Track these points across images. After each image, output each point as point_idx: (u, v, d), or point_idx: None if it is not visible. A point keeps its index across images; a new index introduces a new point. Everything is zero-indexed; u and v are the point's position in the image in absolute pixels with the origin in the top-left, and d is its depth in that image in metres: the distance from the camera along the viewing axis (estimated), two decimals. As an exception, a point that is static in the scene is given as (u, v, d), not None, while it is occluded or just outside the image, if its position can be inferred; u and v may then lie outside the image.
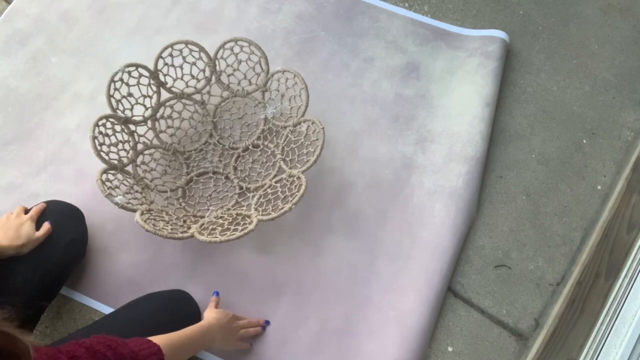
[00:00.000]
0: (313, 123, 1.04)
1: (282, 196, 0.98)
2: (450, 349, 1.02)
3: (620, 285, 1.01)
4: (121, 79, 1.05)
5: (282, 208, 0.92)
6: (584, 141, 1.20)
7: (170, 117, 1.13)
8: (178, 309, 0.91)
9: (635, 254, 1.03)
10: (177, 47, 1.10)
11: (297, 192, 0.94)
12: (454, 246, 1.06)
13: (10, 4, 1.34)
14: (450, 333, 1.03)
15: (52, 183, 1.12)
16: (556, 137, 1.20)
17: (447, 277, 1.04)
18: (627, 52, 1.29)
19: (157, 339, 0.70)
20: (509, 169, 1.17)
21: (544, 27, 1.32)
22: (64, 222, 0.95)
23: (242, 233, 0.88)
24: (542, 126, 1.21)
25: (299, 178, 0.98)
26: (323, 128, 1.01)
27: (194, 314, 0.92)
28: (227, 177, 1.11)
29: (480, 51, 1.25)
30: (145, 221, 0.88)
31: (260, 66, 1.13)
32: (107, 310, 1.01)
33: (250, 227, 0.90)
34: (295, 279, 1.04)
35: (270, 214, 0.92)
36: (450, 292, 1.06)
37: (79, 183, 1.11)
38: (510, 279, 1.07)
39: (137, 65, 1.06)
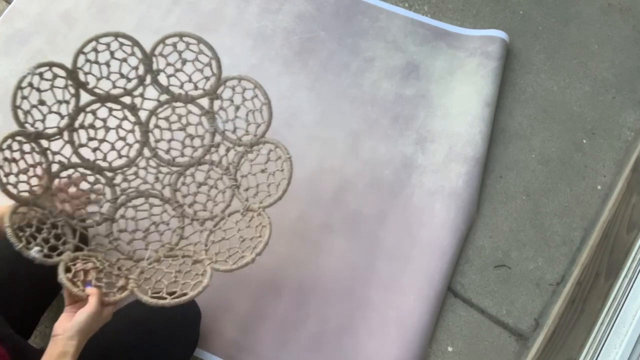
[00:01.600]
0: (277, 147, 0.87)
1: (241, 240, 0.80)
2: (450, 349, 1.02)
3: (620, 285, 1.01)
4: (30, 84, 0.80)
5: (243, 257, 0.74)
6: (584, 141, 1.20)
7: (92, 126, 0.90)
8: (178, 309, 0.90)
9: (635, 254, 1.03)
10: (103, 40, 0.86)
11: (260, 237, 0.76)
12: (454, 246, 1.06)
13: (10, 4, 1.34)
14: (450, 333, 1.03)
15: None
16: (556, 137, 1.20)
17: (447, 277, 1.04)
18: (627, 52, 1.29)
19: None
20: (509, 169, 1.17)
21: (544, 27, 1.32)
22: None
23: (195, 293, 0.71)
24: (542, 126, 1.21)
25: (260, 215, 0.81)
26: (290, 158, 0.84)
27: (193, 314, 0.92)
28: (167, 202, 0.91)
29: (480, 51, 1.25)
30: (72, 278, 0.70)
31: (211, 69, 0.91)
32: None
33: (205, 281, 0.72)
34: (295, 279, 1.04)
35: (226, 261, 0.75)
36: (450, 292, 1.06)
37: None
38: (510, 279, 1.07)
39: (50, 64, 0.82)
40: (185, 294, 0.71)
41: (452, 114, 1.19)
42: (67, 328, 0.66)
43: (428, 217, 1.09)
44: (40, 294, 0.90)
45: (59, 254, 0.73)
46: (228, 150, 0.94)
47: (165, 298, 0.71)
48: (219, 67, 0.91)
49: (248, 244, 0.78)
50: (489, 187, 1.15)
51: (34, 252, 0.70)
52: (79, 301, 0.70)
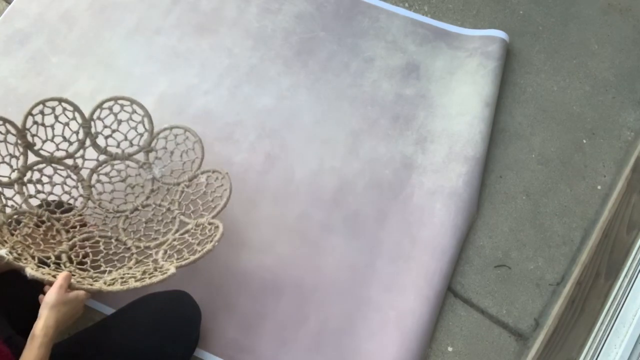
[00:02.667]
0: (214, 172, 0.98)
1: (196, 242, 0.86)
2: (450, 349, 1.02)
3: (620, 285, 1.01)
4: None
5: (203, 249, 0.80)
6: (584, 141, 1.20)
7: (39, 181, 0.99)
8: (178, 309, 0.91)
9: (635, 254, 1.03)
10: (49, 104, 0.99)
11: (214, 233, 0.83)
12: (454, 246, 1.06)
13: (10, 4, 1.34)
14: (450, 333, 1.03)
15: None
16: (556, 137, 1.20)
17: (447, 277, 1.04)
18: (627, 52, 1.29)
19: None
20: (509, 169, 1.17)
21: (544, 27, 1.32)
22: None
23: (164, 276, 0.76)
24: (542, 126, 1.21)
25: (211, 223, 0.88)
26: (227, 173, 0.95)
27: (194, 314, 0.92)
28: (117, 240, 0.97)
29: (480, 51, 1.25)
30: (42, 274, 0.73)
31: (144, 126, 1.05)
32: (107, 310, 1.01)
33: (171, 270, 0.77)
34: (295, 279, 1.04)
35: (188, 257, 0.80)
36: (450, 292, 1.06)
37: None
38: (510, 279, 1.07)
39: (4, 120, 0.93)
40: (155, 277, 0.76)
41: (452, 114, 1.19)
42: (40, 310, 0.70)
43: (428, 217, 1.09)
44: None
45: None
46: (168, 190, 1.04)
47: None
48: (151, 122, 1.05)
49: (205, 242, 0.84)
50: (489, 187, 1.15)
51: (2, 252, 0.73)
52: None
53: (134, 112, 1.05)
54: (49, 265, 0.83)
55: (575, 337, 0.98)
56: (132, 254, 0.94)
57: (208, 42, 1.28)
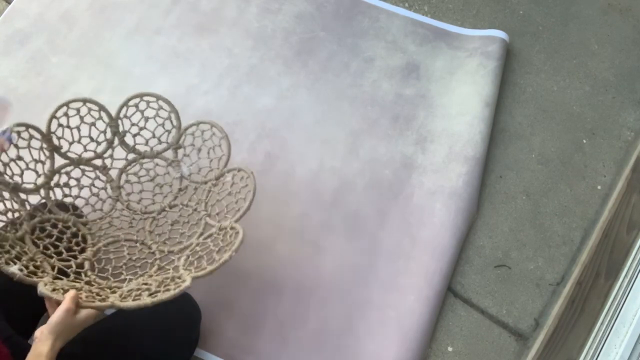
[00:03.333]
0: (239, 171, 0.94)
1: (216, 249, 0.83)
2: (450, 349, 1.02)
3: (620, 285, 1.01)
4: (9, 139, 0.88)
5: (220, 259, 0.77)
6: (584, 141, 1.20)
7: (67, 185, 0.97)
8: (178, 309, 0.91)
9: (635, 254, 1.03)
10: (73, 105, 0.96)
11: (235, 239, 0.80)
12: (454, 246, 1.06)
13: (10, 4, 1.34)
14: (450, 333, 1.03)
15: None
16: (556, 137, 1.20)
17: (447, 277, 1.04)
18: (627, 52, 1.29)
19: None
20: (509, 169, 1.17)
21: (544, 27, 1.32)
22: None
23: (176, 291, 0.73)
24: (542, 126, 1.21)
25: (233, 228, 0.85)
26: (252, 173, 0.91)
27: (194, 314, 0.92)
28: (142, 244, 0.95)
29: (480, 51, 1.25)
30: (53, 291, 0.71)
31: (171, 122, 1.02)
32: (107, 310, 1.01)
33: (186, 283, 0.75)
34: (295, 279, 1.04)
35: (205, 268, 0.78)
36: (450, 292, 1.06)
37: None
38: (510, 279, 1.07)
39: (27, 126, 0.90)
40: (168, 293, 0.74)
41: (452, 114, 1.19)
42: (43, 330, 0.68)
43: (428, 217, 1.09)
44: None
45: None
46: (196, 189, 1.01)
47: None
48: (178, 118, 1.02)
49: (224, 250, 0.81)
50: (489, 187, 1.15)
51: (14, 269, 0.72)
52: (57, 307, 0.70)
53: (161, 108, 1.02)
54: (68, 275, 0.82)
55: (575, 337, 0.98)
56: (156, 259, 0.91)
57: (208, 42, 1.28)
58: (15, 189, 0.88)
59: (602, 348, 0.96)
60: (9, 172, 0.88)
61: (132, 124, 1.02)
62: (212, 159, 1.01)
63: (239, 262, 1.05)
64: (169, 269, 0.86)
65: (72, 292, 0.70)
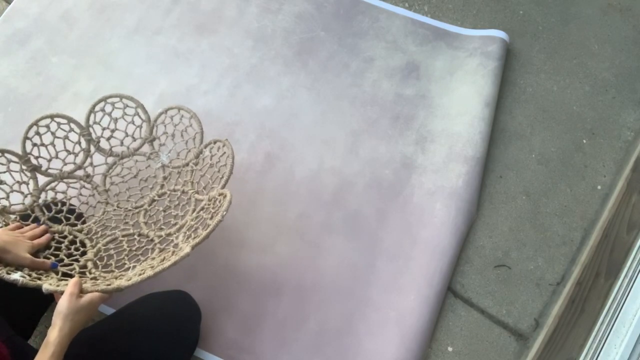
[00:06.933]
0: (215, 142, 0.98)
1: (209, 216, 0.85)
2: (450, 349, 1.02)
3: (620, 285, 1.01)
4: None
5: (212, 222, 0.79)
6: (584, 141, 1.20)
7: (54, 201, 0.98)
8: (178, 309, 0.91)
9: (635, 254, 1.03)
10: (42, 123, 0.97)
11: (223, 202, 0.82)
12: (454, 246, 1.06)
13: (10, 4, 1.34)
14: (450, 333, 1.03)
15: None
16: (556, 137, 1.20)
17: (447, 277, 1.04)
18: (627, 52, 1.29)
19: None
20: (509, 169, 1.17)
21: (544, 27, 1.32)
22: None
23: (176, 258, 0.74)
24: (542, 126, 1.21)
25: (221, 194, 0.87)
26: (226, 140, 0.94)
27: (194, 314, 0.92)
28: (140, 235, 0.97)
29: (480, 51, 1.25)
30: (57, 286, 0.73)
31: (140, 117, 1.05)
32: (107, 310, 1.01)
33: (185, 251, 0.75)
34: (295, 279, 1.04)
35: (200, 234, 0.79)
36: (450, 292, 1.06)
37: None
38: (510, 279, 1.07)
39: (2, 151, 0.92)
40: (169, 262, 0.74)
41: (452, 114, 1.19)
42: (52, 319, 0.70)
43: (428, 217, 1.09)
44: (40, 295, 0.90)
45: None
46: (179, 173, 1.04)
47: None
48: (145, 112, 1.05)
49: (216, 214, 0.82)
50: (489, 187, 1.15)
51: (16, 276, 0.73)
52: None
53: (126, 106, 1.05)
54: (72, 277, 0.82)
55: (575, 337, 0.98)
56: (155, 244, 0.93)
57: (208, 42, 1.28)
58: (4, 211, 0.90)
59: (602, 348, 0.96)
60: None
61: (104, 129, 1.04)
62: (187, 140, 1.05)
63: (239, 262, 1.05)
64: (169, 249, 0.88)
65: (75, 278, 0.73)
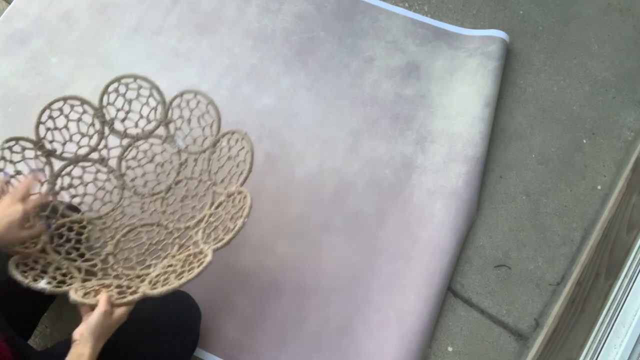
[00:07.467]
0: (233, 133, 0.95)
1: (229, 217, 0.84)
2: (450, 349, 1.02)
3: (620, 285, 1.01)
4: (3, 157, 0.89)
5: (234, 227, 0.78)
6: (584, 141, 1.20)
7: (71, 185, 0.97)
8: (178, 309, 0.91)
9: (635, 254, 1.03)
10: (55, 106, 0.95)
11: (244, 205, 0.81)
12: (454, 246, 1.06)
13: (10, 4, 1.34)
14: (450, 333, 1.03)
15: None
16: (556, 137, 1.20)
17: (447, 277, 1.04)
18: (627, 52, 1.29)
19: None
20: (509, 169, 1.17)
21: (544, 27, 1.32)
22: None
23: (201, 268, 0.74)
24: (542, 126, 1.21)
25: (240, 192, 0.86)
26: (245, 133, 0.91)
27: (194, 314, 0.92)
28: (158, 225, 0.97)
29: (480, 51, 1.25)
30: (84, 296, 0.73)
31: (154, 98, 1.01)
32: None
33: (208, 258, 0.76)
34: (295, 279, 1.04)
35: (222, 238, 0.78)
36: (450, 292, 1.06)
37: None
38: (510, 279, 1.07)
39: (17, 139, 0.90)
40: (192, 273, 0.75)
41: (452, 114, 1.19)
42: (82, 332, 0.70)
43: (428, 217, 1.09)
44: (41, 296, 0.90)
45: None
46: (196, 160, 1.01)
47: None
48: (160, 93, 1.00)
49: (236, 218, 0.82)
50: (489, 187, 1.15)
51: (43, 284, 0.74)
52: (92, 310, 0.73)
53: (140, 87, 1.00)
54: (96, 274, 0.84)
55: (575, 337, 0.99)
56: (175, 238, 0.93)
57: (208, 42, 1.28)
58: None
59: (602, 348, 0.96)
60: (11, 189, 0.86)
61: (118, 110, 1.01)
62: (203, 127, 1.01)
63: (239, 262, 1.05)
64: (189, 246, 0.88)
65: (105, 295, 0.72)
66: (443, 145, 1.16)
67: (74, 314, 1.02)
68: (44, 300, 0.93)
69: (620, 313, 0.98)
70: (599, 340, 0.97)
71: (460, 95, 1.21)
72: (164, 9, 1.32)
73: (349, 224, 1.09)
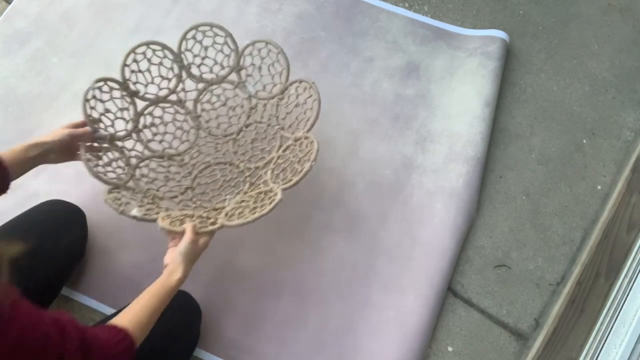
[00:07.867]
0: (301, 82, 1.03)
1: (296, 160, 0.93)
2: (450, 349, 1.02)
3: (620, 285, 1.01)
4: (94, 96, 0.97)
5: (302, 170, 0.87)
6: (584, 141, 1.20)
7: (153, 124, 1.07)
8: (178, 308, 0.91)
9: (635, 254, 1.03)
10: (138, 50, 1.03)
11: (311, 149, 0.90)
12: (454, 246, 1.06)
13: (10, 4, 1.34)
14: (450, 333, 1.03)
15: (53, 183, 1.12)
16: (556, 137, 1.20)
17: (447, 277, 1.04)
18: (627, 52, 1.29)
19: (122, 319, 0.69)
20: (509, 169, 1.17)
21: (544, 27, 1.32)
22: (63, 221, 0.95)
23: (272, 205, 0.83)
24: (542, 126, 1.21)
25: (307, 137, 0.95)
26: (313, 82, 0.99)
27: (194, 314, 0.92)
28: (231, 164, 1.06)
29: (480, 51, 1.25)
30: (170, 224, 0.83)
31: (228, 46, 1.09)
32: (107, 310, 1.01)
33: (278, 196, 0.85)
34: (295, 279, 1.04)
35: (291, 179, 0.87)
36: (450, 292, 1.06)
37: (78, 183, 1.11)
38: (510, 279, 1.07)
39: (105, 79, 0.99)
40: (265, 209, 0.84)
41: (452, 114, 1.19)
42: (174, 256, 0.79)
43: (428, 217, 1.09)
44: (41, 296, 0.90)
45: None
46: (265, 106, 1.10)
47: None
48: (234, 41, 1.08)
49: (304, 161, 0.91)
50: (489, 187, 1.15)
51: (135, 212, 0.85)
52: (178, 238, 0.82)
53: (216, 35, 1.08)
54: (177, 204, 0.97)
55: (575, 337, 0.99)
56: (246, 177, 1.02)
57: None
58: (113, 138, 0.99)
59: (602, 348, 0.96)
60: (102, 125, 0.97)
61: (195, 55, 1.09)
62: (273, 75, 1.09)
63: (239, 262, 1.06)
64: (260, 184, 0.98)
65: (190, 224, 0.82)
66: (443, 145, 1.16)
67: (73, 314, 1.02)
68: (47, 295, 0.93)
69: (620, 313, 0.98)
70: (599, 340, 0.97)
71: (460, 95, 1.21)
72: (164, 9, 1.32)
73: (349, 224, 1.09)
